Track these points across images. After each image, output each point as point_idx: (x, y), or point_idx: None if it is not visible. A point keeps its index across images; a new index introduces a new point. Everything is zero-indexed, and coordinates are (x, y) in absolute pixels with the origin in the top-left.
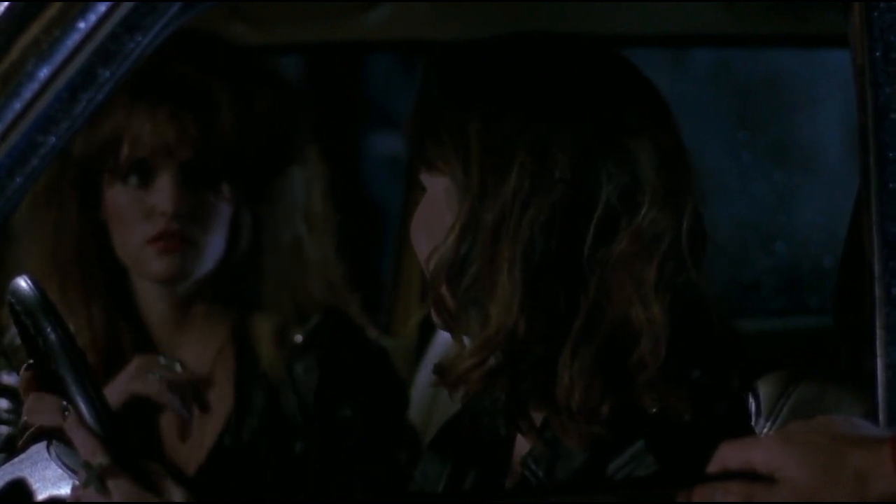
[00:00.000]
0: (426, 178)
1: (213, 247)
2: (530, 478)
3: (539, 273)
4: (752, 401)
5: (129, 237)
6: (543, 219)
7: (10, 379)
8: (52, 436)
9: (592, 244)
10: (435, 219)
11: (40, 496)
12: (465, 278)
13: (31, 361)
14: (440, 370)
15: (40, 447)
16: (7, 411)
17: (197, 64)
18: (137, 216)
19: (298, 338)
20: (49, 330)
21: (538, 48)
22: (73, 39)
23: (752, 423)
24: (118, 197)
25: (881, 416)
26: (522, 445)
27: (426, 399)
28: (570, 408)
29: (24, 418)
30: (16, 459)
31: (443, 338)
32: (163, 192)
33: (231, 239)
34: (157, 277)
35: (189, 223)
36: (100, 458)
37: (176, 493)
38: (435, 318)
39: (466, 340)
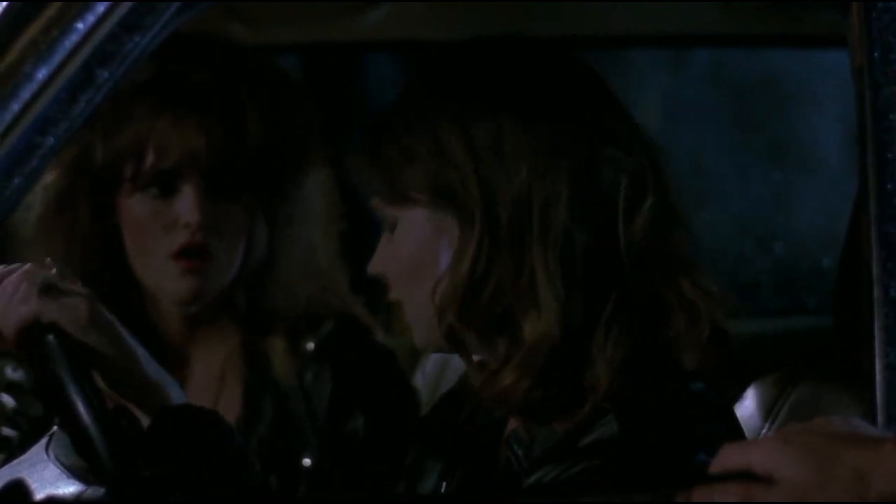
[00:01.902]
0: (394, 212)
1: (233, 259)
2: (511, 457)
3: (571, 267)
4: (749, 402)
5: (148, 250)
6: (565, 212)
7: (15, 375)
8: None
9: (617, 229)
10: (423, 251)
11: (39, 496)
12: (484, 299)
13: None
14: (477, 394)
15: (39, 449)
16: (13, 410)
17: (222, 71)
18: (158, 227)
19: (310, 346)
20: (49, 335)
21: (512, 50)
22: (72, 40)
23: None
24: (137, 207)
25: (879, 417)
26: (511, 426)
27: (428, 396)
28: (594, 390)
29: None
30: (14, 461)
31: None
32: (187, 202)
33: (246, 248)
34: (179, 300)
35: (212, 235)
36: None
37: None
38: (442, 349)
39: (487, 357)
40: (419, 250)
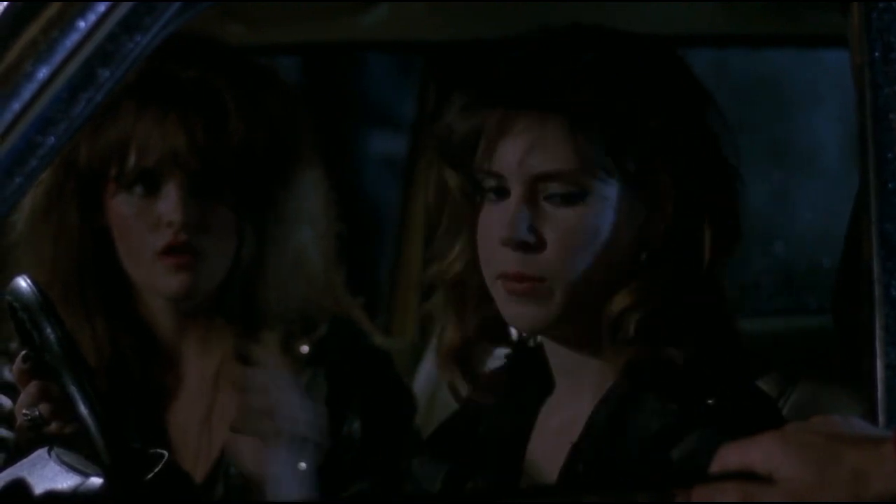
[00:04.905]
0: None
1: (221, 258)
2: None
3: None
4: None
5: (135, 248)
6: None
7: (11, 376)
8: (52, 438)
9: None
10: None
11: (38, 491)
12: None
13: (27, 352)
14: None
15: (41, 452)
16: (10, 411)
17: (205, 69)
18: (143, 226)
19: (304, 349)
20: (47, 328)
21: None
22: (72, 40)
23: None
24: (122, 206)
25: (880, 417)
26: (536, 444)
27: (426, 398)
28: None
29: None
30: (16, 464)
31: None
32: (170, 201)
33: (236, 248)
34: (169, 295)
35: (197, 234)
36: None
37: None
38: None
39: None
40: None
